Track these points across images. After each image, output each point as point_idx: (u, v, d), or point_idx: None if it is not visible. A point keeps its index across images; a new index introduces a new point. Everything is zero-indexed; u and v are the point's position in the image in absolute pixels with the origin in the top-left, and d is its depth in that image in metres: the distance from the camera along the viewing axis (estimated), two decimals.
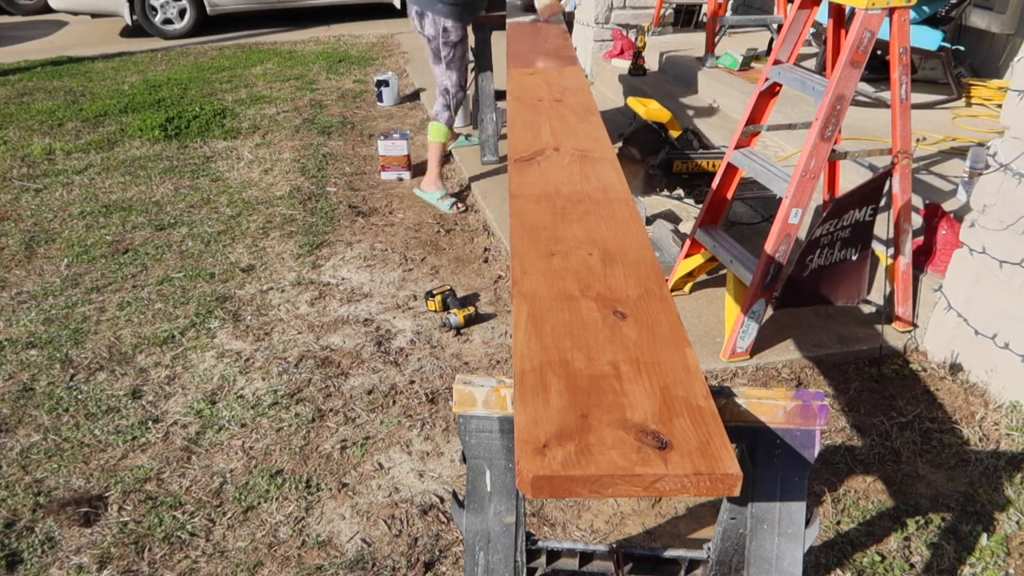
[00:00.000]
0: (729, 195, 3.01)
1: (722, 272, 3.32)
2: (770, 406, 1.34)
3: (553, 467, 1.01)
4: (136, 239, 3.93)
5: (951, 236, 2.89)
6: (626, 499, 2.28)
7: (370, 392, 2.78)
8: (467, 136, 5.04)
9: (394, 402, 2.72)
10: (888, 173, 2.72)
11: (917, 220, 3.06)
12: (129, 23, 8.58)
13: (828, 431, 2.56)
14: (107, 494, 2.33)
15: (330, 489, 2.35)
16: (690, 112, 4.93)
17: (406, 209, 4.25)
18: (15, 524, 2.22)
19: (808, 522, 1.42)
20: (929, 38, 4.05)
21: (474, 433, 1.39)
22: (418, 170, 4.60)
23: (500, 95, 4.36)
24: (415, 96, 6.32)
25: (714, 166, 3.69)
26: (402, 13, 9.58)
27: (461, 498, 1.47)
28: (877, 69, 4.17)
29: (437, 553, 2.13)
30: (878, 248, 3.02)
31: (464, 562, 1.70)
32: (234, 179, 4.68)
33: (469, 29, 4.16)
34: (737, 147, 2.88)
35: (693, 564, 1.68)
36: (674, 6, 6.44)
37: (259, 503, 2.30)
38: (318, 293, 3.42)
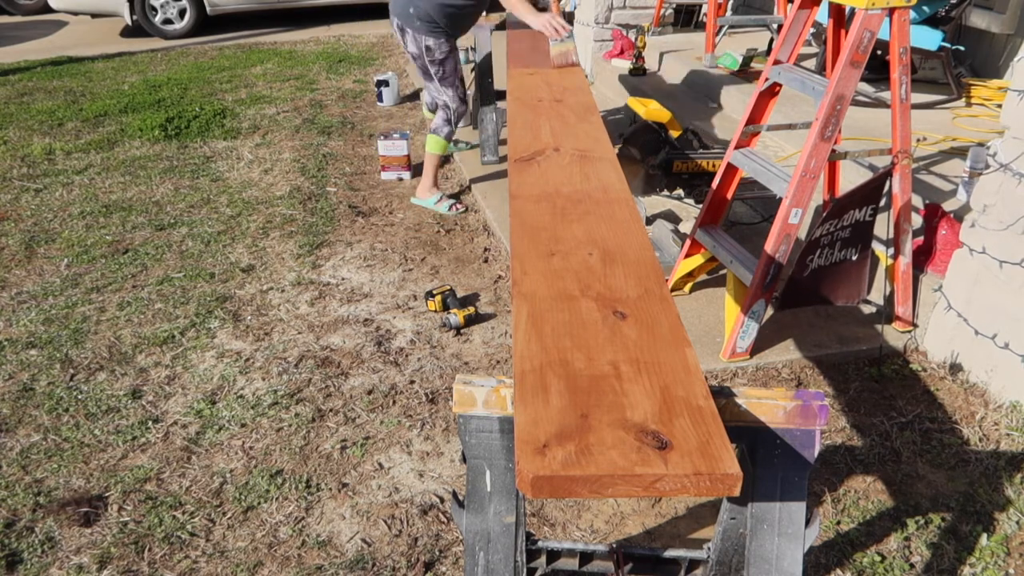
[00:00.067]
0: (729, 195, 3.01)
1: (722, 272, 3.32)
2: (770, 406, 1.34)
3: (553, 467, 1.01)
4: (136, 239, 3.93)
5: (951, 236, 2.89)
6: (626, 499, 2.28)
7: (370, 392, 2.78)
8: (465, 143, 5.00)
9: (394, 402, 2.72)
10: (888, 173, 2.72)
11: (917, 220, 3.06)
12: (129, 23, 8.58)
13: (828, 431, 2.56)
14: (107, 494, 2.33)
15: (330, 489, 2.35)
16: (690, 112, 4.93)
17: (406, 209, 4.25)
18: (15, 524, 2.22)
19: (808, 522, 1.42)
20: (929, 38, 4.05)
21: (474, 433, 1.39)
22: (418, 170, 4.59)
23: (500, 95, 4.36)
24: (415, 96, 6.32)
25: (714, 166, 3.69)
26: None
27: (461, 498, 1.47)
28: (877, 69, 4.17)
29: (437, 553, 2.13)
30: (878, 248, 3.02)
31: (464, 562, 1.70)
32: (234, 179, 4.68)
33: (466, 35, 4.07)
34: (737, 147, 2.88)
35: (693, 564, 1.68)
36: (674, 6, 6.44)
37: (259, 503, 2.30)
38: (318, 293, 3.42)
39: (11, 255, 3.79)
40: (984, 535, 2.15)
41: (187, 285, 3.48)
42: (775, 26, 5.55)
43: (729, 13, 6.46)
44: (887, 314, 3.05)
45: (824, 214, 2.54)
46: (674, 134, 3.72)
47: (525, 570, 1.61)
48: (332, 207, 4.27)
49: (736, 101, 4.76)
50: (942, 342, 2.88)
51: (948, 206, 3.03)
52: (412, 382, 2.83)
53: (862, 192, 2.60)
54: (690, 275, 3.23)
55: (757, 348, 2.90)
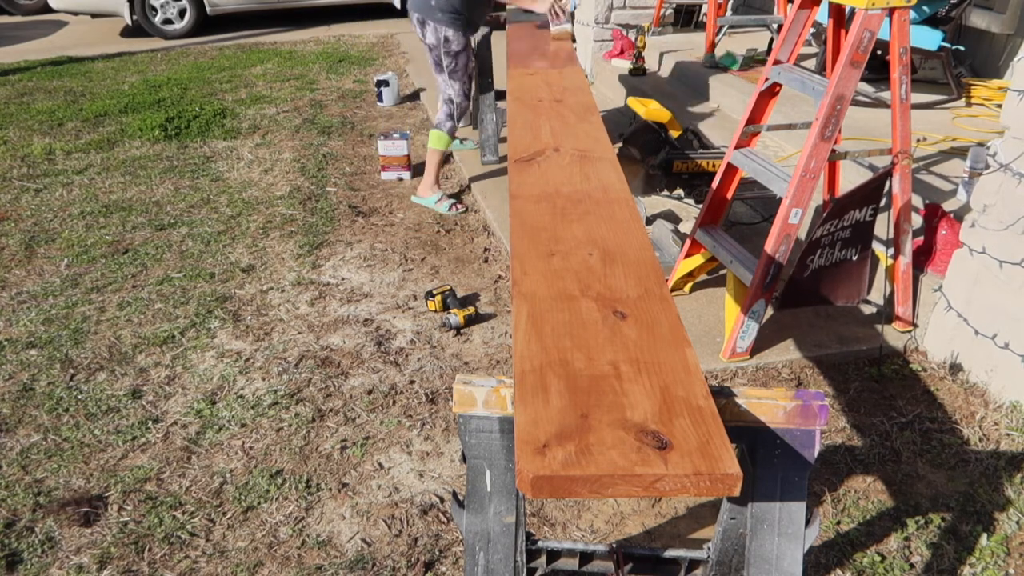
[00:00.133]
0: (729, 195, 3.01)
1: (722, 272, 3.32)
2: (770, 406, 1.34)
3: (553, 467, 1.01)
4: (136, 239, 3.93)
5: (951, 236, 2.89)
6: (626, 499, 2.28)
7: (370, 392, 2.78)
8: (462, 140, 5.01)
9: (394, 402, 2.72)
10: (888, 173, 2.72)
11: (917, 220, 3.06)
12: (129, 23, 8.58)
13: (828, 431, 2.56)
14: (107, 494, 2.33)
15: (330, 489, 2.35)
16: (690, 112, 4.93)
17: (406, 209, 4.25)
18: (15, 524, 2.22)
19: (808, 522, 1.42)
20: (929, 38, 4.05)
21: (474, 433, 1.39)
22: (418, 170, 4.59)
23: (500, 95, 4.36)
24: (415, 96, 6.32)
25: (714, 166, 3.69)
26: (402, 13, 9.57)
27: (461, 498, 1.47)
28: (877, 69, 4.17)
29: (437, 553, 2.13)
30: (878, 248, 3.02)
31: (464, 562, 1.70)
32: (234, 179, 4.68)
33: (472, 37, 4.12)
34: (737, 147, 2.88)
35: (693, 564, 1.68)
36: (674, 6, 6.44)
37: (259, 503, 2.30)
38: (318, 293, 3.42)
39: (11, 255, 3.79)
40: (984, 535, 2.15)
41: (187, 285, 3.48)
42: (775, 26, 5.55)
43: (729, 13, 6.46)
44: (887, 314, 3.05)
45: (824, 214, 2.54)
46: (674, 134, 3.72)
47: (525, 570, 1.61)
48: (332, 207, 4.27)
49: (736, 101, 4.76)
50: (942, 342, 2.88)
51: (948, 206, 3.03)
52: (412, 382, 2.83)
53: (862, 192, 2.60)
54: (690, 275, 3.23)
55: (757, 348, 2.90)
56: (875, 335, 3.00)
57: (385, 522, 2.23)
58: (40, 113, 5.91)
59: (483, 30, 4.33)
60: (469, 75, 4.07)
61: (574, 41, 3.38)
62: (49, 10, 9.85)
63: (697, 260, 3.14)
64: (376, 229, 4.02)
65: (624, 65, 5.88)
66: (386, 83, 6.03)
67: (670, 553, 1.68)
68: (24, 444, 2.54)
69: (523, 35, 3.87)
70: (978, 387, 2.74)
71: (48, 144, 5.23)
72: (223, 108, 5.95)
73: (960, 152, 3.52)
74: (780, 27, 5.06)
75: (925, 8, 4.14)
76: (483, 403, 1.37)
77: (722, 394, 1.33)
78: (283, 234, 3.97)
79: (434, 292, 3.22)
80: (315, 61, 7.57)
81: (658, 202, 4.05)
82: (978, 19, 4.32)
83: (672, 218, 3.93)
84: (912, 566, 2.07)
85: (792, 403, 1.33)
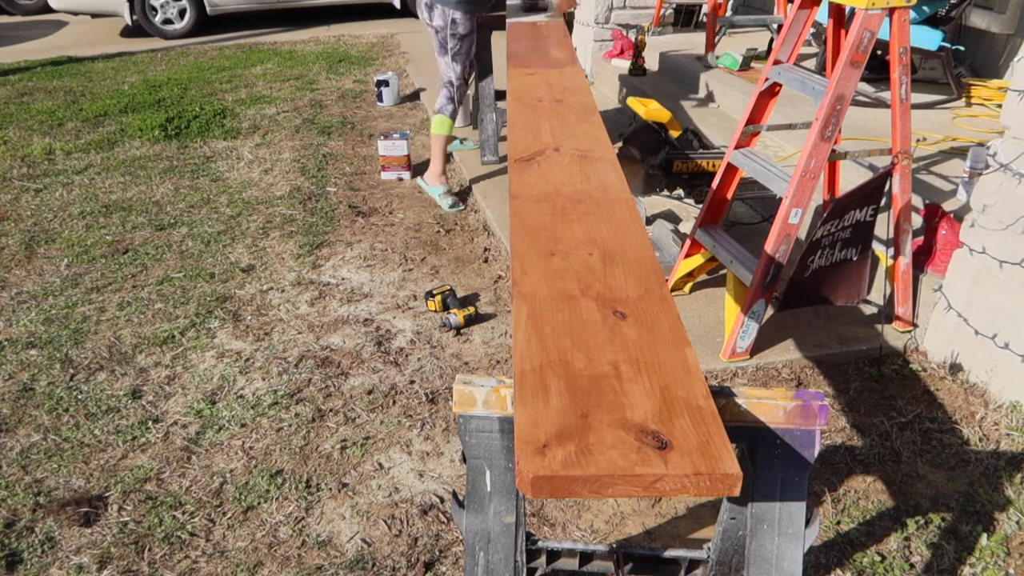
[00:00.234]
0: (729, 195, 3.01)
1: (722, 272, 3.32)
2: (770, 406, 1.34)
3: (553, 467, 1.01)
4: (136, 239, 3.93)
5: (951, 236, 2.89)
6: (626, 499, 2.28)
7: (370, 392, 2.78)
8: (462, 140, 5.01)
9: (394, 402, 2.72)
10: (888, 173, 2.72)
11: (917, 220, 3.06)
12: (129, 23, 8.58)
13: (828, 431, 2.56)
14: (107, 494, 2.33)
15: (330, 489, 2.35)
16: (690, 112, 4.93)
17: (406, 209, 4.25)
18: (15, 524, 2.22)
19: (808, 522, 1.42)
20: (929, 38, 4.05)
21: (474, 433, 1.39)
22: (418, 170, 4.60)
23: (500, 95, 4.37)
24: (415, 96, 6.32)
25: (714, 166, 3.69)
26: (402, 13, 9.58)
27: (461, 498, 1.47)
28: (877, 69, 4.17)
29: (437, 553, 2.13)
30: (878, 248, 3.02)
31: (464, 562, 1.70)
32: (234, 179, 4.68)
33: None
34: (737, 147, 2.88)
35: (693, 564, 1.68)
36: (674, 6, 6.44)
37: (259, 503, 2.30)
38: (318, 293, 3.42)
39: (11, 255, 3.79)
40: (984, 535, 2.15)
41: (187, 285, 3.48)
42: (775, 26, 5.55)
43: (729, 13, 6.47)
44: (887, 314, 3.05)
45: (825, 215, 2.54)
46: (674, 134, 3.72)
47: (525, 570, 1.61)
48: (332, 207, 4.27)
49: (736, 101, 4.76)
50: (942, 342, 2.88)
51: (948, 206, 3.03)
52: (412, 382, 2.83)
53: (862, 192, 2.60)
54: (690, 275, 3.23)
55: (757, 348, 2.90)
56: (875, 335, 3.00)
57: (385, 522, 2.23)
58: (40, 113, 5.91)
59: (483, 30, 4.33)
60: (471, 61, 4.16)
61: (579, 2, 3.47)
62: (49, 10, 9.85)
63: (697, 260, 3.14)
64: (376, 229, 4.02)
65: (624, 65, 5.88)
66: (386, 83, 6.04)
67: (670, 553, 1.68)
68: (24, 444, 2.54)
69: (523, 35, 3.87)
70: (978, 387, 2.74)
71: (48, 144, 5.23)
72: (223, 108, 5.95)
73: (960, 152, 3.52)
74: (780, 27, 5.07)
75: (925, 8, 4.14)
76: (483, 403, 1.37)
77: (722, 394, 1.33)
78: (283, 234, 3.97)
79: (434, 292, 3.22)
80: (315, 61, 7.57)
81: (658, 202, 4.05)
82: (978, 19, 4.32)
83: (672, 218, 3.93)
84: (912, 566, 2.07)
85: (792, 403, 1.33)
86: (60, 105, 6.12)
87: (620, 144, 3.72)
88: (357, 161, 4.97)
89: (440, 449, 2.50)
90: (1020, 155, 2.51)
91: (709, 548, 1.64)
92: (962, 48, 4.36)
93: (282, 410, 2.68)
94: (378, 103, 6.10)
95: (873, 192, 2.64)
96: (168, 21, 8.68)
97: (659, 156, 3.66)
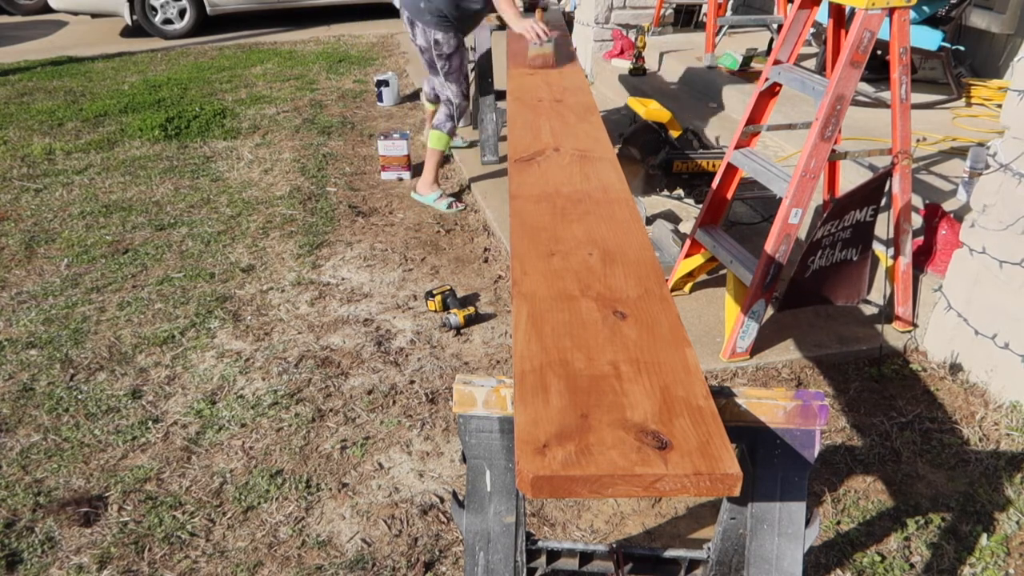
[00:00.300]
0: (729, 195, 3.01)
1: (722, 272, 3.32)
2: (770, 406, 1.34)
3: (553, 467, 1.01)
4: (136, 239, 3.93)
5: (951, 236, 2.89)
6: (626, 499, 2.28)
7: (370, 392, 2.78)
8: (462, 139, 5.00)
9: (394, 402, 2.72)
10: (888, 173, 2.72)
11: (917, 220, 3.06)
12: (129, 23, 8.58)
13: (828, 431, 2.56)
14: (107, 494, 2.33)
15: (330, 489, 2.35)
16: (690, 112, 4.93)
17: (406, 209, 4.25)
18: (15, 524, 2.22)
19: (808, 522, 1.42)
20: (929, 38, 4.05)
21: (474, 433, 1.39)
22: (418, 170, 4.59)
23: (500, 95, 4.36)
24: (415, 96, 6.32)
25: (714, 166, 3.69)
26: None
27: (461, 498, 1.47)
28: (877, 69, 4.17)
29: (437, 553, 2.13)
30: (878, 248, 3.02)
31: (464, 562, 1.70)
32: (234, 179, 4.68)
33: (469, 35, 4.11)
34: (737, 147, 2.88)
35: (693, 564, 1.68)
36: (674, 6, 6.44)
37: (259, 503, 2.30)
38: (318, 293, 3.42)
39: (11, 255, 3.79)
40: (984, 535, 2.15)
41: (187, 285, 3.48)
42: (775, 26, 5.55)
43: (729, 13, 6.46)
44: (887, 314, 3.05)
45: (825, 215, 2.54)
46: (674, 134, 3.72)
47: (525, 570, 1.61)
48: (332, 207, 4.27)
49: (736, 101, 4.76)
50: (942, 342, 2.88)
51: (948, 206, 3.03)
52: (412, 382, 2.83)
53: (862, 192, 2.60)
54: (690, 275, 3.23)
55: (757, 348, 2.90)
56: (875, 335, 3.00)
57: (385, 522, 2.23)
58: (40, 113, 5.91)
59: (483, 30, 4.33)
60: (465, 75, 4.02)
61: (554, 64, 3.33)
62: (49, 10, 9.84)
63: (697, 260, 3.14)
64: (376, 229, 4.02)
65: (624, 65, 5.88)
66: (386, 83, 6.04)
67: (670, 553, 1.68)
68: (24, 444, 2.54)
69: (523, 39, 3.87)
70: (978, 387, 2.74)
71: (48, 144, 5.23)
72: (223, 108, 5.95)
73: (960, 152, 3.52)
74: (780, 27, 5.06)
75: (925, 8, 4.14)
76: (483, 403, 1.37)
77: (722, 394, 1.33)
78: (283, 234, 3.97)
79: (434, 292, 3.22)
80: (315, 61, 7.57)
81: (658, 202, 4.05)
82: (978, 19, 4.32)
83: (672, 218, 3.93)
84: (912, 566, 2.07)
85: (792, 403, 1.33)
86: (60, 105, 6.12)
87: (620, 144, 3.72)
88: (357, 161, 4.96)
89: (440, 449, 2.50)
90: (1020, 155, 2.51)
91: (709, 548, 1.64)
92: (962, 48, 4.36)
93: (282, 410, 2.68)
94: (378, 103, 6.10)
95: (873, 192, 2.64)
96: (168, 21, 8.68)
97: (659, 156, 3.66)
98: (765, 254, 2.66)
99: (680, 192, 3.87)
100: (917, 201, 3.09)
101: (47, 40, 8.92)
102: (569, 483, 1.00)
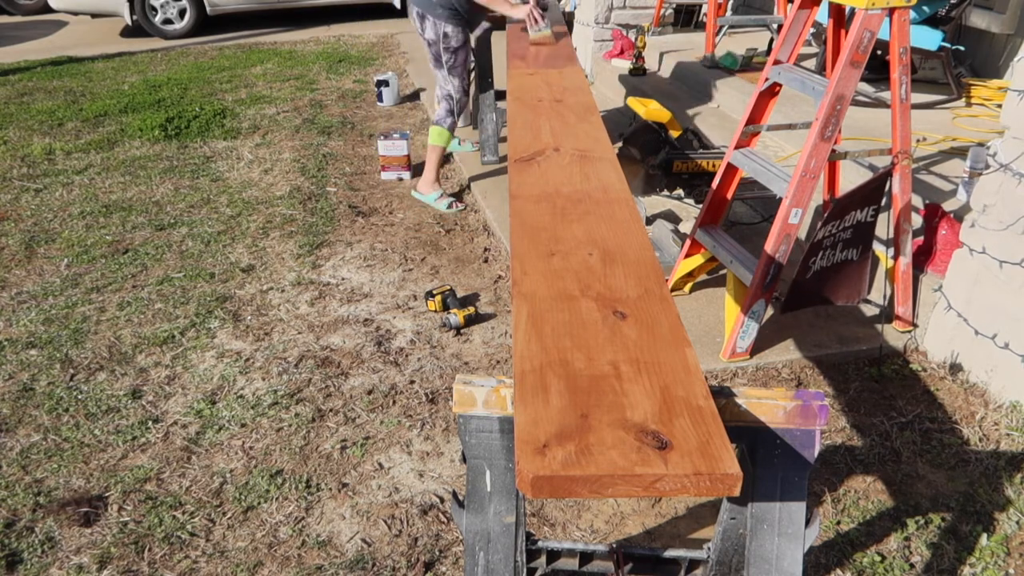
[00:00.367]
0: (729, 195, 3.01)
1: (722, 272, 3.32)
2: (770, 406, 1.34)
3: (553, 467, 1.01)
4: (136, 239, 3.93)
5: (951, 236, 2.89)
6: (626, 499, 2.28)
7: (370, 392, 2.78)
8: (460, 141, 5.00)
9: (394, 402, 2.72)
10: (888, 173, 2.72)
11: (917, 220, 3.06)
12: (129, 23, 8.58)
13: (828, 431, 2.56)
14: (107, 494, 2.33)
15: (330, 489, 2.35)
16: (690, 112, 4.93)
17: (406, 209, 4.25)
18: (15, 524, 2.22)
19: (808, 522, 1.42)
20: (929, 38, 4.05)
21: (474, 433, 1.39)
22: (418, 170, 4.59)
23: (500, 95, 4.36)
24: (415, 96, 6.32)
25: (714, 166, 3.69)
26: (402, 13, 9.58)
27: (461, 498, 1.47)
28: (877, 69, 4.17)
29: (437, 553, 2.13)
30: (878, 248, 3.02)
31: (464, 562, 1.70)
32: (234, 179, 4.68)
33: (471, 34, 4.13)
34: (737, 147, 2.88)
35: (693, 564, 1.68)
36: (674, 6, 6.45)
37: (259, 503, 2.30)
38: (318, 293, 3.42)
39: (11, 255, 3.79)
40: (984, 535, 2.15)
41: (187, 285, 3.48)
42: (775, 26, 5.55)
43: (729, 13, 6.47)
44: (887, 314, 3.05)
45: (825, 215, 2.54)
46: (674, 134, 3.72)
47: (525, 570, 1.61)
48: (332, 207, 4.27)
49: (736, 101, 4.76)
50: (942, 342, 2.88)
51: (948, 206, 3.03)
52: (412, 382, 2.83)
53: (862, 192, 2.60)
54: (690, 275, 3.23)
55: (757, 348, 2.90)
56: (875, 335, 3.00)
57: (385, 522, 2.23)
58: (40, 113, 5.91)
59: (484, 26, 4.34)
60: (468, 71, 4.08)
61: (557, 39, 3.44)
62: (49, 10, 9.85)
63: (697, 260, 3.14)
64: (376, 229, 4.02)
65: (624, 65, 5.88)
66: (386, 83, 6.04)
67: (670, 553, 1.68)
68: (24, 444, 2.54)
69: (523, 35, 3.87)
70: (978, 387, 2.74)
71: (48, 144, 5.23)
72: (223, 108, 5.95)
73: (960, 152, 3.52)
74: (780, 27, 5.07)
75: (925, 8, 4.14)
76: (483, 403, 1.37)
77: (722, 394, 1.33)
78: (283, 234, 3.97)
79: (434, 292, 3.22)
80: (315, 61, 7.57)
81: (658, 202, 4.05)
82: (978, 19, 4.32)
83: (672, 218, 3.93)
84: (912, 566, 2.07)
85: (792, 403, 1.33)
86: (60, 105, 6.12)
87: (620, 144, 3.72)
88: (357, 161, 4.97)
89: (440, 449, 2.50)
90: (1020, 155, 2.51)
91: (709, 548, 1.64)
92: (962, 48, 4.36)
93: (282, 410, 2.68)
94: (378, 103, 6.10)
95: (873, 192, 2.64)
96: (168, 21, 8.68)
97: (659, 156, 3.66)
98: (765, 254, 2.66)
99: (680, 192, 3.87)
100: (917, 201, 3.09)
101: (47, 40, 8.92)
102: (569, 483, 1.00)
